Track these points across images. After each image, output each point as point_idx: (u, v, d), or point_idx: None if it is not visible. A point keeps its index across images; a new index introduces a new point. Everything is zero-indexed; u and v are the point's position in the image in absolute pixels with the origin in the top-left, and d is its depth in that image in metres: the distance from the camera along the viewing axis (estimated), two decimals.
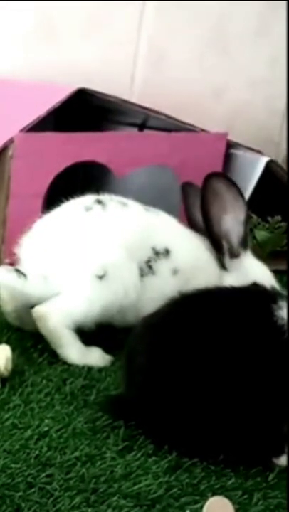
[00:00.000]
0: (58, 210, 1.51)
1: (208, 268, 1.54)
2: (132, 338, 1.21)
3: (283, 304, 1.12)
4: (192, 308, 1.17)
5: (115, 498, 0.97)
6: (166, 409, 1.10)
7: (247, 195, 2.01)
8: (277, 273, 1.90)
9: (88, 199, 1.51)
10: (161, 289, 1.43)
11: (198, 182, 1.79)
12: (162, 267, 1.47)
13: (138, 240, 1.45)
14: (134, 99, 2.17)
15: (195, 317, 1.15)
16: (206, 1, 2.48)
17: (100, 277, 1.39)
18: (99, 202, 1.49)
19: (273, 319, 1.10)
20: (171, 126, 2.06)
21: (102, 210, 1.47)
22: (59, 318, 1.37)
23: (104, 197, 1.51)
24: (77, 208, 1.49)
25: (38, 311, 1.38)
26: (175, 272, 1.48)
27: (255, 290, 1.22)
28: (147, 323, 1.21)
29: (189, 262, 1.51)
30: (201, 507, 0.72)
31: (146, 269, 1.45)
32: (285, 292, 1.17)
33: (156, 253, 1.47)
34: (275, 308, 1.12)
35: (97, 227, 1.44)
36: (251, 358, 1.08)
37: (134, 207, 1.52)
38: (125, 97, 2.11)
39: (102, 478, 1.01)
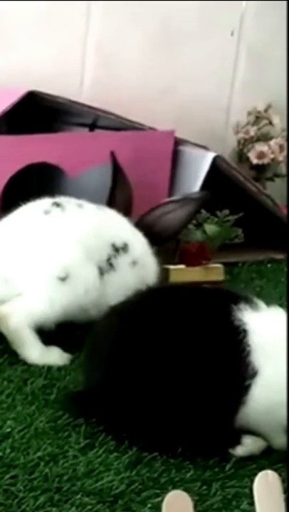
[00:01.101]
0: (16, 214, 1.50)
1: (151, 253, 1.57)
2: (97, 328, 1.21)
3: (244, 306, 1.13)
4: (156, 305, 1.17)
5: (79, 496, 0.96)
6: (125, 403, 1.10)
7: (195, 190, 2.02)
8: (227, 265, 1.92)
9: (46, 202, 1.49)
10: (123, 282, 1.44)
11: (148, 179, 1.80)
12: (122, 261, 1.48)
13: (97, 240, 1.45)
14: (84, 100, 2.16)
15: (157, 313, 1.15)
16: (152, 0, 2.47)
17: (61, 279, 1.39)
18: (57, 205, 1.48)
19: (230, 319, 1.11)
20: (121, 125, 2.05)
21: (61, 213, 1.47)
22: (20, 318, 1.36)
23: (62, 199, 1.51)
24: (36, 211, 1.48)
25: None
26: (134, 263, 1.50)
27: (218, 290, 1.23)
28: (110, 319, 1.20)
29: (143, 252, 1.54)
30: (162, 500, 0.72)
31: (107, 266, 1.45)
32: (250, 296, 1.18)
33: (116, 249, 1.47)
34: (234, 309, 1.12)
35: (57, 229, 1.44)
36: (206, 354, 1.09)
37: (90, 208, 1.51)
38: (75, 97, 2.09)
39: (66, 477, 1.00)
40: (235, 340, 1.09)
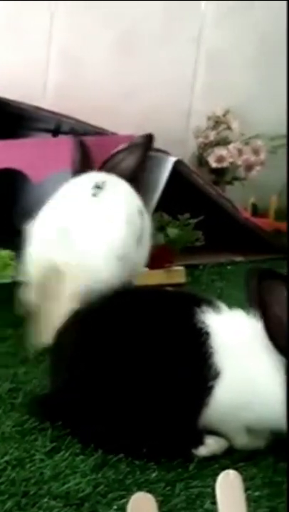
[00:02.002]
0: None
1: None
2: (61, 331, 1.20)
3: (207, 309, 1.13)
4: (119, 308, 1.17)
5: (45, 500, 0.96)
6: (89, 406, 1.10)
7: (157, 194, 2.03)
8: (189, 267, 1.93)
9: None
10: (147, 242, 1.59)
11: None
12: (145, 225, 1.60)
13: (135, 214, 1.57)
14: (47, 105, 2.15)
15: (121, 316, 1.15)
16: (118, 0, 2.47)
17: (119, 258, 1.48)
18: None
19: (193, 322, 1.11)
20: (84, 130, 2.05)
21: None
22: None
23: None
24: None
25: None
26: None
27: (181, 293, 1.23)
28: (74, 323, 1.19)
29: None
30: (127, 502, 0.72)
31: (140, 232, 1.57)
32: (213, 299, 1.18)
33: (141, 214, 1.60)
34: (197, 312, 1.12)
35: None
36: (169, 356, 1.09)
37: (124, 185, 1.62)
38: (38, 102, 2.08)
39: (32, 481, 1.00)
40: (198, 342, 1.10)
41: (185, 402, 1.08)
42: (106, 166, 1.67)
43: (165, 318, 1.14)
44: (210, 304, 1.15)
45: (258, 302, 1.09)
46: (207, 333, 1.10)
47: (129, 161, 1.70)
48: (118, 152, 1.72)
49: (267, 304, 1.08)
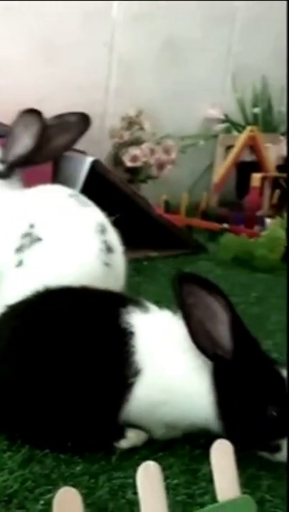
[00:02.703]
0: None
1: None
2: None
3: (133, 308, 1.14)
4: (49, 306, 1.16)
5: None
6: (15, 402, 1.10)
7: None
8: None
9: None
10: None
11: (29, 184, 1.78)
12: None
13: None
14: None
15: (50, 314, 1.14)
16: None
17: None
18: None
19: (118, 321, 1.12)
20: (4, 132, 2.02)
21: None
22: None
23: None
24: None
25: None
26: None
27: (109, 293, 1.23)
28: (1, 320, 1.18)
29: None
30: (54, 496, 0.72)
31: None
32: (140, 299, 1.19)
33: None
34: (123, 312, 1.13)
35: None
36: (93, 354, 1.10)
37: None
38: None
39: None
40: (121, 341, 1.10)
41: (107, 398, 1.09)
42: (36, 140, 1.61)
43: (91, 317, 1.14)
44: (136, 303, 1.16)
45: (180, 305, 1.09)
46: (130, 333, 1.11)
47: (62, 140, 1.65)
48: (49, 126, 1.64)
49: (187, 307, 1.09)
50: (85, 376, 1.09)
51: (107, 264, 1.41)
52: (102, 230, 1.46)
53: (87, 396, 1.09)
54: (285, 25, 3.26)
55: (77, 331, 1.12)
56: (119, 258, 1.48)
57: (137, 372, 1.09)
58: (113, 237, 1.49)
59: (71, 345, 1.10)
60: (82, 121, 1.69)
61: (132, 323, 1.12)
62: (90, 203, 1.54)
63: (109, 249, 1.44)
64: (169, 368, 1.10)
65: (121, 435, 1.11)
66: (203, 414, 1.09)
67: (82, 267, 1.38)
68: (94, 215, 1.49)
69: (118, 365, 1.09)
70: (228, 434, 1.06)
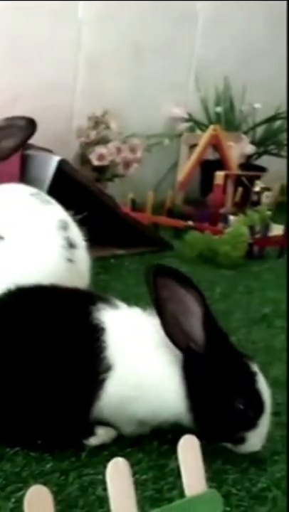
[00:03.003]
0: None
1: None
2: None
3: (103, 306, 1.14)
4: (20, 304, 1.15)
5: None
6: None
7: (43, 192, 2.01)
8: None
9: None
10: None
11: None
12: None
13: None
14: None
15: (20, 312, 1.13)
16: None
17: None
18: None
19: (88, 318, 1.11)
20: None
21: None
22: None
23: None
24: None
25: None
26: None
27: (78, 291, 1.22)
28: None
29: None
30: (24, 494, 0.72)
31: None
32: (109, 297, 1.18)
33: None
34: (93, 310, 1.13)
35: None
36: (64, 352, 1.09)
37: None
38: None
39: None
40: (92, 337, 1.10)
41: (77, 395, 1.09)
42: None
43: (61, 314, 1.13)
44: (105, 300, 1.15)
45: (154, 297, 1.08)
46: (101, 329, 1.10)
47: (8, 143, 1.65)
48: None
49: (161, 300, 1.08)
50: (56, 373, 1.09)
51: (70, 260, 1.42)
52: (64, 227, 1.47)
53: (58, 393, 1.08)
54: (250, 25, 3.29)
55: (47, 328, 1.11)
56: (82, 253, 1.49)
57: (108, 368, 1.08)
58: (76, 233, 1.50)
59: (41, 342, 1.10)
60: (29, 126, 1.69)
61: (102, 319, 1.12)
62: (52, 200, 1.54)
63: (71, 245, 1.45)
64: (140, 364, 1.09)
65: (91, 432, 1.11)
66: (174, 409, 1.09)
67: (45, 264, 1.39)
68: (55, 213, 1.49)
69: (89, 362, 1.09)
70: (197, 426, 1.07)
